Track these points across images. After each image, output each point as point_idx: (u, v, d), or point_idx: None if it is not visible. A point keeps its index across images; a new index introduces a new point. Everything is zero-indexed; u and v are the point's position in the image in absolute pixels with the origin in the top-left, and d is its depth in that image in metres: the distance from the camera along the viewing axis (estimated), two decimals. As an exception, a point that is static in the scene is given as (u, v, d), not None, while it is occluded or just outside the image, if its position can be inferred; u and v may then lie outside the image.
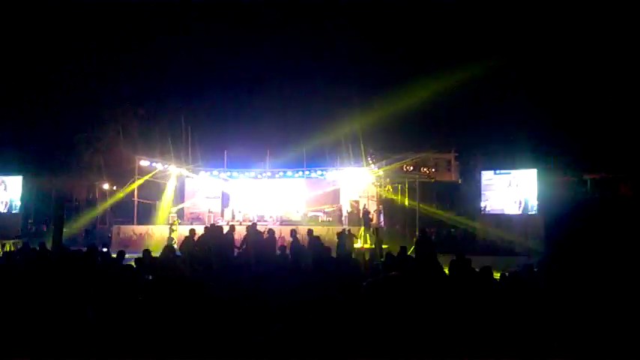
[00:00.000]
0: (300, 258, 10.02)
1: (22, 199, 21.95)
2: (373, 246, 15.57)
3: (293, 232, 13.16)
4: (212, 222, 17.58)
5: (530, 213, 19.43)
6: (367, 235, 19.23)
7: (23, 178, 22.09)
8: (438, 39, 23.71)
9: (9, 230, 20.41)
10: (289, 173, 24.15)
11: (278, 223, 21.68)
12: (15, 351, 3.25)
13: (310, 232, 13.12)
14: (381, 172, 23.05)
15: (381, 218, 23.13)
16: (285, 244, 12.76)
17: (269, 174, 24.30)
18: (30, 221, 23.12)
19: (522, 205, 19.77)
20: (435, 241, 17.45)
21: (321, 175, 23.92)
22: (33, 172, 22.46)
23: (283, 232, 15.04)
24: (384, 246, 15.22)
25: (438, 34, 23.54)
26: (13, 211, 21.43)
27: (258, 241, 12.74)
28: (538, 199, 19.40)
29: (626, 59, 19.64)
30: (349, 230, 15.66)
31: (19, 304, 4.56)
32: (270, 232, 12.78)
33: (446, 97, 24.36)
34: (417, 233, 17.05)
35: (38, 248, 10.35)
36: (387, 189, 23.25)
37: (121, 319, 4.19)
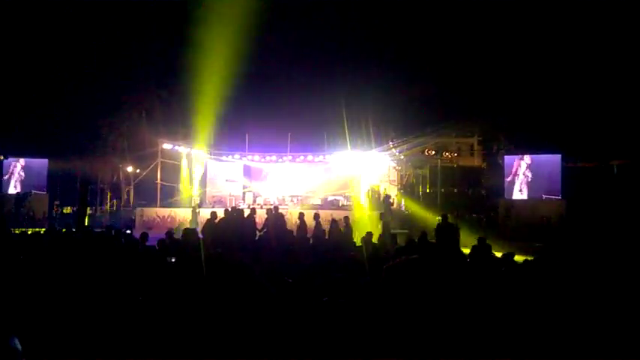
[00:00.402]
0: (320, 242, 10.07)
1: (47, 182, 22.38)
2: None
3: (316, 217, 13.17)
4: (233, 205, 17.70)
5: (554, 197, 19.15)
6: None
7: (49, 161, 22.48)
8: (460, 21, 23.31)
9: (36, 211, 20.89)
10: (310, 157, 24.14)
11: (298, 206, 21.76)
12: (43, 331, 3.32)
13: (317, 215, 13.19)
14: (402, 157, 22.91)
15: (402, 203, 23.04)
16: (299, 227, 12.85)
17: (290, 158, 24.35)
18: (56, 203, 23.56)
19: (546, 190, 19.49)
20: (456, 227, 17.36)
21: (342, 159, 23.87)
22: (58, 155, 22.83)
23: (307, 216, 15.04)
24: (400, 231, 15.16)
25: (461, 15, 23.13)
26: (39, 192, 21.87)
27: (279, 224, 12.84)
28: (562, 185, 19.11)
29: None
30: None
31: (43, 284, 4.67)
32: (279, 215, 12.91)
33: (469, 80, 24.04)
34: (440, 220, 16.94)
35: (64, 230, 10.56)
36: (408, 173, 23.12)
37: (144, 299, 4.26)
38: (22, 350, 1.88)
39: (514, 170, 19.98)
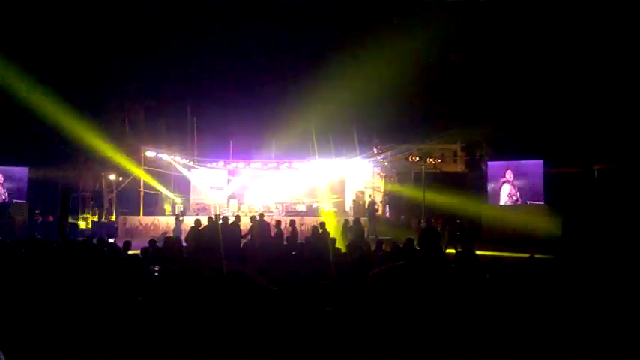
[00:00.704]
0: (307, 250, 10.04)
1: (28, 191, 22.01)
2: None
3: (314, 228, 13.03)
4: (217, 213, 17.59)
5: (536, 203, 19.35)
6: (372, 226, 19.24)
7: (29, 170, 22.13)
8: (442, 27, 23.52)
9: (16, 220, 20.50)
10: (295, 164, 24.11)
11: (283, 213, 21.69)
12: (22, 341, 3.25)
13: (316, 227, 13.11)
14: (386, 163, 23.02)
15: (387, 209, 23.11)
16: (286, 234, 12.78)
17: (274, 165, 24.29)
18: (37, 212, 23.18)
19: (528, 195, 19.68)
20: (440, 233, 17.42)
21: (327, 166, 23.88)
22: (39, 164, 22.51)
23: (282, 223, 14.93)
24: (385, 237, 15.07)
25: (443, 22, 23.36)
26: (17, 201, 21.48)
27: (264, 231, 12.80)
28: (545, 190, 19.32)
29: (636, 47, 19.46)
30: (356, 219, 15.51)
31: (23, 293, 4.57)
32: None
33: (451, 87, 24.26)
34: (421, 224, 17.03)
35: (43, 240, 10.39)
36: (392, 180, 23.20)
37: (128, 309, 4.18)
38: None
39: (502, 176, 20.12)
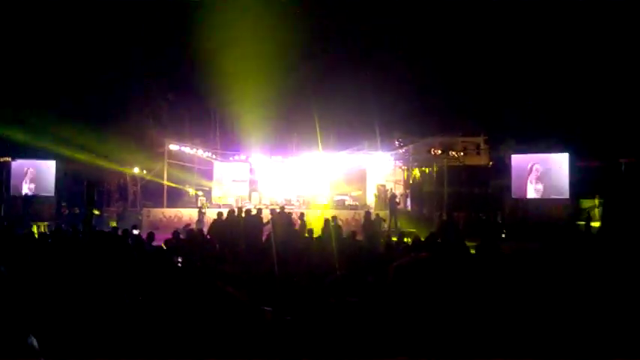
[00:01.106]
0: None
1: (55, 184, 22.46)
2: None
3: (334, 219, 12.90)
4: (238, 206, 17.70)
5: (561, 197, 19.02)
6: (392, 220, 19.16)
7: (56, 163, 22.56)
8: (467, 19, 23.24)
9: (43, 213, 20.98)
10: (315, 156, 24.10)
11: (304, 207, 21.73)
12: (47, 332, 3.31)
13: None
14: (408, 156, 22.87)
15: (408, 202, 22.97)
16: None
17: (296, 157, 24.34)
18: (63, 204, 23.64)
19: (552, 189, 19.35)
20: (462, 227, 17.26)
21: (349, 159, 23.83)
22: (66, 157, 22.92)
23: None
24: (407, 230, 14.96)
25: (468, 13, 23.06)
26: (46, 194, 21.93)
27: (284, 224, 12.84)
28: (570, 184, 18.96)
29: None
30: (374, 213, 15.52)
31: (49, 283, 4.67)
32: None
33: (475, 79, 23.97)
34: (443, 218, 16.86)
35: (71, 230, 10.59)
36: (414, 173, 23.04)
37: (151, 299, 4.25)
38: (38, 348, 1.88)
39: (527, 169, 19.79)
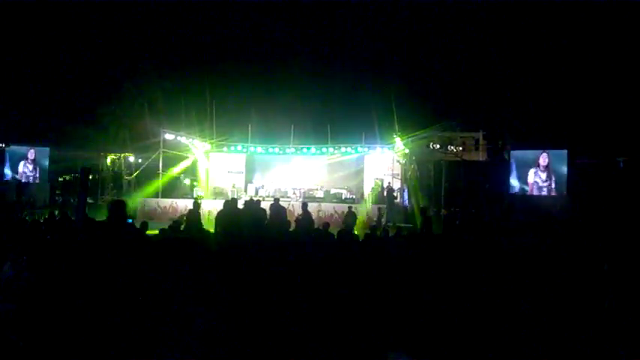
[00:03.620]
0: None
1: (49, 170, 22.27)
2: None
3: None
4: (233, 197, 17.51)
5: (557, 194, 18.98)
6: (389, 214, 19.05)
7: (51, 150, 22.36)
8: (466, 17, 23.12)
9: (37, 200, 20.80)
10: (313, 150, 23.94)
11: (301, 199, 21.59)
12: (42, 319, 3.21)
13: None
14: (406, 150, 22.73)
15: (405, 197, 22.87)
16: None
17: (293, 150, 24.17)
18: (57, 192, 23.48)
19: (551, 186, 19.29)
20: (459, 222, 17.19)
21: (346, 152, 23.69)
22: (60, 144, 22.73)
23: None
24: (404, 225, 14.97)
25: (467, 11, 22.94)
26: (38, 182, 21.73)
27: (280, 216, 12.71)
28: (568, 181, 18.90)
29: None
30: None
31: (43, 270, 4.54)
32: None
33: (475, 75, 23.88)
34: (441, 212, 16.82)
35: (60, 217, 10.44)
36: (412, 167, 22.93)
37: (140, 287, 4.13)
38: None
39: (527, 165, 19.68)
